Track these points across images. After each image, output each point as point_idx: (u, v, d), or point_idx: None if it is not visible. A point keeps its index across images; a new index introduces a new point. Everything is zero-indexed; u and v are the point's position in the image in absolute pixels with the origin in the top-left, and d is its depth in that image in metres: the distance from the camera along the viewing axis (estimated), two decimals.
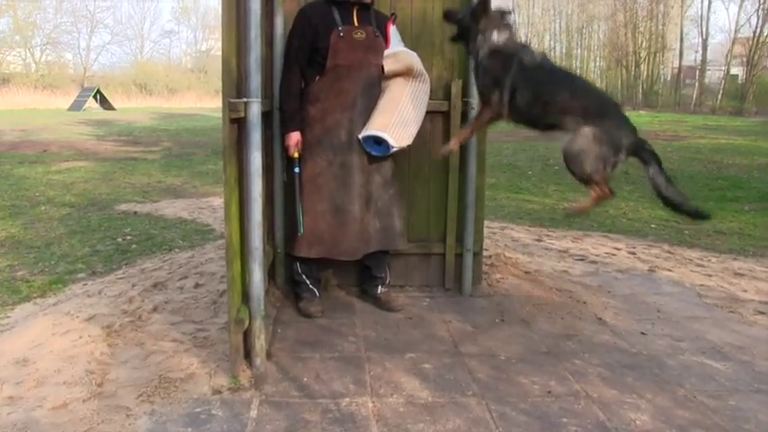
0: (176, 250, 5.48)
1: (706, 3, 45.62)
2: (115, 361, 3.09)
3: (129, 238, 5.96)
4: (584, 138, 2.86)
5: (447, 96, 4.04)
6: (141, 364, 3.07)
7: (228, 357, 3.02)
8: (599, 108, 2.93)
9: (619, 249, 5.67)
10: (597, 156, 2.85)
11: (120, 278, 4.54)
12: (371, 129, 3.59)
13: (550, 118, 2.99)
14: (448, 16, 3.34)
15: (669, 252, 5.67)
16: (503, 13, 3.18)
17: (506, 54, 3.07)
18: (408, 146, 3.70)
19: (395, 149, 3.62)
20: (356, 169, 3.65)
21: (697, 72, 46.12)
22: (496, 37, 3.09)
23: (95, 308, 3.79)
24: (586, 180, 2.91)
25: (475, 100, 3.97)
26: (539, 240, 5.90)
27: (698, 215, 2.95)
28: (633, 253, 5.55)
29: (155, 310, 3.78)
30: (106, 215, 7.05)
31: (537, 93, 3.00)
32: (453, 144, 3.38)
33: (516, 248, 5.48)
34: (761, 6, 40.13)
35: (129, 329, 3.46)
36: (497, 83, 3.06)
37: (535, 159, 12.72)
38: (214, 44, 52.08)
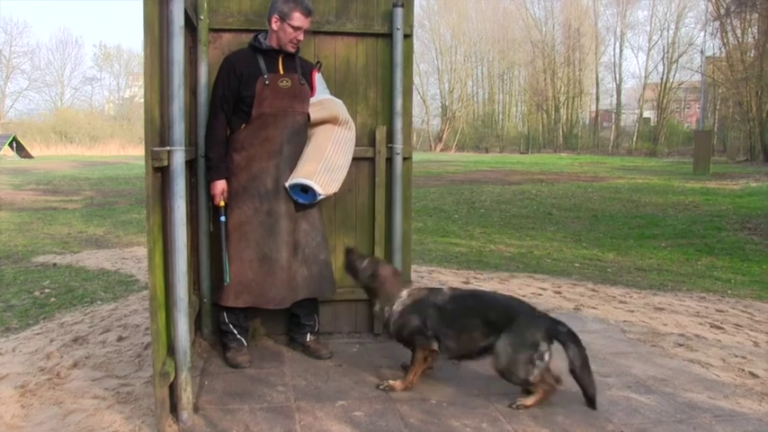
0: (98, 303, 5.30)
1: (618, 50, 47.77)
2: (29, 423, 2.93)
3: (47, 291, 5.72)
4: (503, 351, 3.14)
5: (372, 143, 4.11)
6: (59, 424, 2.92)
7: (154, 412, 2.91)
8: (506, 314, 3.20)
9: (545, 289, 5.81)
10: (522, 360, 3.11)
11: (38, 334, 4.35)
12: (298, 176, 3.60)
13: (479, 343, 3.24)
14: (349, 267, 3.64)
15: (593, 290, 5.85)
16: (395, 271, 3.58)
17: (419, 305, 3.37)
18: (335, 192, 3.72)
19: (322, 197, 3.64)
20: (283, 217, 3.64)
21: (613, 115, 48.35)
22: (405, 293, 3.43)
23: (7, 367, 3.62)
24: (530, 386, 3.16)
25: (399, 145, 4.06)
26: (466, 283, 5.99)
27: (590, 403, 3.20)
28: (559, 292, 5.69)
29: (75, 365, 3.63)
30: (22, 268, 6.76)
31: (457, 328, 3.29)
32: (400, 388, 3.43)
33: None
34: (665, 55, 42.67)
35: (45, 388, 3.30)
36: (420, 332, 3.34)
37: (461, 203, 12.97)
38: (138, 91, 51.38)
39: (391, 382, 3.43)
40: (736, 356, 3.99)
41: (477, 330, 3.23)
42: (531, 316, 3.19)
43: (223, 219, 3.64)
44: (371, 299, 3.57)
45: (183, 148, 2.88)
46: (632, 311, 5.04)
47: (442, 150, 47.68)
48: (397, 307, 3.40)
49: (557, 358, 3.18)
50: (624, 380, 3.59)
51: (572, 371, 3.15)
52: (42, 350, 3.91)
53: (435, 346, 3.33)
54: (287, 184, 3.62)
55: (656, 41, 45.54)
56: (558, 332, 3.15)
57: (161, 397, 2.84)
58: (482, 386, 3.45)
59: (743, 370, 3.75)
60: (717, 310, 5.15)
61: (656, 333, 4.46)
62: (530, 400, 3.17)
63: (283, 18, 3.55)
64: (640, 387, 3.48)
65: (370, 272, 3.50)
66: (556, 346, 3.15)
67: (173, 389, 2.94)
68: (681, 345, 4.20)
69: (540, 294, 5.58)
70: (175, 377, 2.92)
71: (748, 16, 27.88)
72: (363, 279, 3.53)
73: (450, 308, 3.32)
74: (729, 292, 5.93)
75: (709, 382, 3.55)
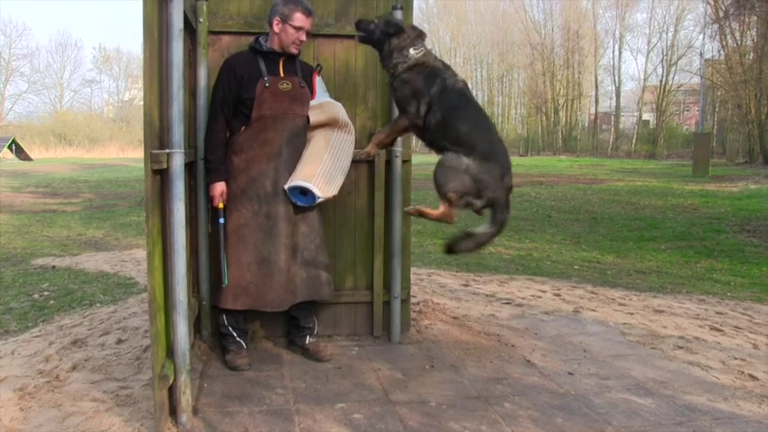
0: (97, 305, 5.29)
1: (617, 53, 47.82)
2: (27, 426, 2.93)
3: (46, 293, 5.72)
4: (459, 161, 3.03)
5: None
6: (58, 427, 2.92)
7: (153, 415, 2.91)
8: (487, 153, 3.07)
9: (544, 292, 5.81)
10: (461, 182, 3.02)
11: (36, 336, 4.34)
12: (297, 179, 3.60)
13: (446, 142, 3.12)
14: (359, 25, 3.39)
15: (593, 292, 5.85)
16: (415, 29, 3.31)
17: (431, 70, 3.19)
18: (334, 195, 3.72)
19: (320, 200, 3.64)
20: (282, 219, 3.64)
21: (612, 118, 48.38)
22: (413, 51, 3.21)
23: (6, 369, 3.61)
24: (441, 194, 3.07)
25: (398, 148, 4.05)
26: (466, 285, 5.99)
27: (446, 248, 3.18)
28: (558, 295, 5.69)
29: (74, 368, 3.62)
30: (21, 270, 6.75)
31: (447, 116, 3.12)
32: (370, 148, 3.43)
33: (444, 294, 5.54)
34: (664, 58, 42.73)
35: (44, 391, 3.30)
36: (417, 95, 3.16)
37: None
38: (137, 94, 51.41)
39: (369, 147, 3.44)
40: (736, 359, 3.99)
41: (456, 133, 3.10)
42: (500, 176, 3.07)
43: (222, 221, 3.64)
44: (383, 54, 3.31)
45: (183, 150, 2.88)
46: (632, 314, 5.04)
47: None
48: (410, 60, 3.20)
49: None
50: (624, 382, 3.59)
51: (462, 236, 3.13)
52: (41, 353, 3.91)
53: (420, 122, 3.18)
54: (286, 187, 3.62)
55: (655, 44, 45.65)
56: (499, 209, 3.08)
57: (160, 400, 2.84)
58: (481, 389, 3.45)
59: (742, 372, 3.75)
60: (716, 313, 5.15)
61: (656, 335, 4.46)
62: (424, 208, 3.20)
63: (285, 20, 3.55)
64: (640, 389, 3.48)
65: (384, 21, 3.27)
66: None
67: (172, 391, 2.94)
68: (680, 347, 4.20)
69: (540, 297, 5.58)
70: (174, 380, 2.92)
71: (747, 19, 27.93)
72: (378, 33, 3.28)
73: (457, 97, 3.17)
74: (729, 294, 5.93)
75: (708, 385, 3.55)
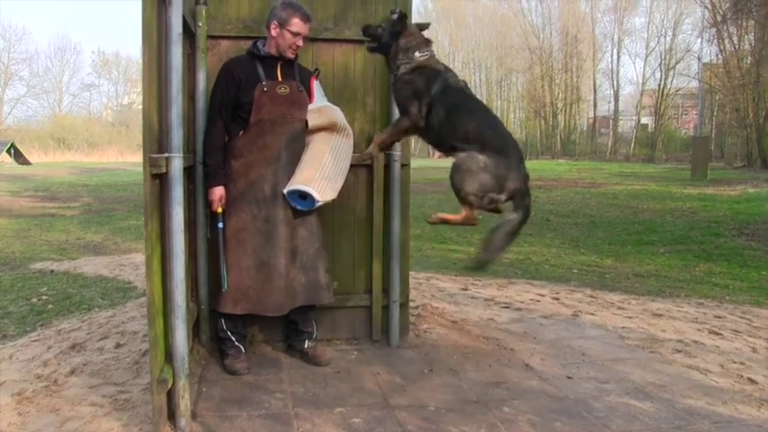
0: (96, 309, 5.29)
1: (615, 57, 47.87)
2: (25, 431, 2.93)
3: (44, 298, 5.71)
4: (476, 161, 3.03)
5: None
6: None
7: (152, 419, 2.91)
8: (500, 147, 3.09)
9: (543, 295, 5.81)
10: (480, 181, 3.02)
11: (35, 341, 4.34)
12: (296, 183, 3.60)
13: (455, 141, 3.13)
14: (366, 31, 3.43)
15: (591, 296, 5.84)
16: (422, 30, 3.34)
17: (432, 71, 3.22)
18: (333, 199, 3.73)
19: (320, 204, 3.64)
20: (281, 223, 3.64)
21: (611, 122, 48.37)
22: (418, 54, 3.24)
23: (5, 374, 3.60)
24: (462, 197, 3.07)
25: (397, 152, 4.06)
26: (465, 289, 5.98)
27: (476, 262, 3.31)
28: (557, 298, 5.69)
29: (72, 373, 3.62)
30: (20, 274, 6.75)
31: (450, 114, 3.14)
32: (372, 149, 3.45)
33: (443, 298, 5.54)
34: (662, 61, 42.79)
35: (42, 395, 3.29)
36: (418, 95, 3.18)
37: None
38: (136, 98, 51.26)
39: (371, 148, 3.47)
40: (735, 362, 3.99)
41: (464, 131, 3.13)
42: (517, 167, 3.10)
43: (221, 225, 3.64)
44: (388, 57, 3.37)
45: (182, 154, 2.89)
46: (630, 317, 5.04)
47: (440, 157, 47.57)
48: (413, 63, 3.26)
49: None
50: (623, 386, 3.59)
51: (495, 229, 3.13)
52: (39, 357, 3.90)
53: (422, 122, 3.22)
54: (285, 191, 3.62)
55: (654, 48, 45.59)
56: (522, 198, 3.11)
57: (159, 404, 2.84)
58: (480, 393, 3.45)
59: (741, 376, 3.75)
60: (715, 316, 5.15)
61: (655, 339, 4.45)
62: (445, 215, 3.23)
63: (282, 24, 3.56)
64: (639, 393, 3.48)
65: (391, 24, 3.32)
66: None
67: (170, 396, 2.93)
68: (679, 351, 4.20)
69: (539, 301, 5.57)
70: (173, 384, 2.91)
71: (744, 23, 27.93)
72: (386, 36, 3.33)
73: (459, 95, 3.21)
74: (727, 297, 5.93)
75: (707, 389, 3.55)
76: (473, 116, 3.17)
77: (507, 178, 3.05)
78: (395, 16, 3.31)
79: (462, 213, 3.12)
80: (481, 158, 3.04)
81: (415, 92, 3.21)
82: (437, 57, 3.38)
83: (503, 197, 3.08)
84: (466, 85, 3.30)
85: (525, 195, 3.11)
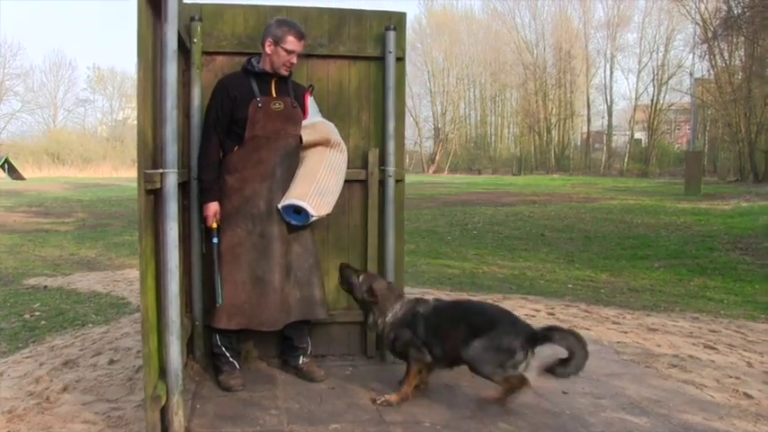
0: (89, 325, 5.26)
1: (608, 72, 48.14)
2: None
3: (37, 314, 5.67)
4: (474, 349, 3.26)
5: (364, 165, 4.12)
6: None
7: None
8: (488, 322, 3.32)
9: (538, 310, 5.80)
10: (490, 361, 3.24)
11: (27, 357, 4.31)
12: (291, 198, 3.61)
13: (467, 347, 3.31)
14: (344, 273, 3.72)
15: (586, 311, 5.85)
16: (393, 290, 3.66)
17: (410, 316, 3.49)
18: (327, 215, 3.73)
19: (314, 218, 3.65)
20: (276, 239, 3.64)
21: (604, 137, 48.60)
22: (391, 315, 3.54)
23: None
24: (497, 381, 3.28)
25: (392, 168, 4.07)
26: None
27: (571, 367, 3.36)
28: (552, 313, 5.69)
29: (65, 389, 3.59)
30: (12, 290, 6.71)
31: (441, 334, 3.41)
32: (395, 399, 3.50)
33: None
34: (655, 77, 43.11)
35: (34, 413, 3.26)
36: (411, 344, 3.46)
37: (454, 225, 12.98)
38: (131, 113, 51.30)
39: (387, 396, 3.47)
40: (731, 377, 3.99)
41: (459, 336, 3.33)
42: (512, 326, 3.32)
43: (215, 241, 3.64)
44: (366, 313, 3.66)
45: (176, 170, 2.89)
46: (626, 332, 5.04)
47: (434, 172, 47.81)
48: (390, 320, 3.50)
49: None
50: (618, 401, 3.58)
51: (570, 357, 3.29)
52: (31, 374, 3.87)
53: (429, 358, 3.42)
54: (280, 206, 3.62)
55: (646, 63, 45.92)
56: (546, 335, 3.28)
57: (152, 421, 2.81)
58: (476, 409, 3.43)
59: (737, 391, 3.74)
60: (710, 331, 5.15)
61: (650, 354, 4.45)
62: (493, 395, 3.33)
63: (277, 42, 3.58)
64: (635, 408, 3.47)
65: (366, 287, 3.56)
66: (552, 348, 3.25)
67: (164, 412, 2.91)
68: (675, 365, 4.20)
69: (534, 316, 5.57)
70: (167, 401, 2.90)
71: (735, 39, 28.21)
72: (359, 295, 3.60)
73: (435, 317, 3.45)
74: (722, 312, 5.94)
75: (703, 404, 3.55)
76: (458, 325, 3.38)
77: (510, 341, 3.25)
78: (370, 282, 3.59)
79: (502, 390, 3.31)
80: (476, 344, 3.26)
81: (407, 343, 3.48)
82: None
83: (522, 355, 3.26)
84: (435, 299, 3.63)
85: (548, 332, 3.33)
